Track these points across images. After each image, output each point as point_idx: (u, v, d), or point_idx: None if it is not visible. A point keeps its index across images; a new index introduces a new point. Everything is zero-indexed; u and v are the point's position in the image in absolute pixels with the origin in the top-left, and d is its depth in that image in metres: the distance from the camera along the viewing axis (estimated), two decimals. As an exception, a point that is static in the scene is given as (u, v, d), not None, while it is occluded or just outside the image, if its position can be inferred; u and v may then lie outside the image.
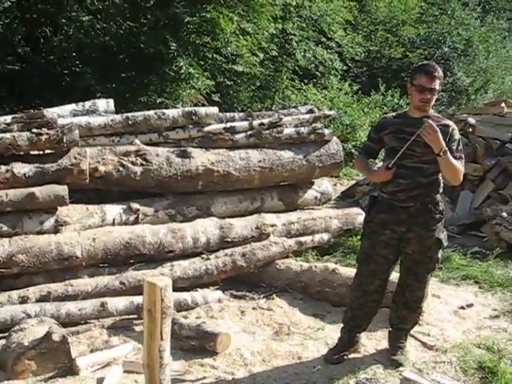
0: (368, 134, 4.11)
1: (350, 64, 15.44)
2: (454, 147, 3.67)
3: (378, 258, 3.82)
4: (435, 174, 3.74)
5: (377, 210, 3.85)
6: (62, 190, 4.60)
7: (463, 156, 3.73)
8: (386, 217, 3.79)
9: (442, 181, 3.82)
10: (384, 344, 4.11)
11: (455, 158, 3.64)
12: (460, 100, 17.50)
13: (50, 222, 4.66)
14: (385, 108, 15.47)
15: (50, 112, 4.94)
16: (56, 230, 4.67)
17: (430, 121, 3.60)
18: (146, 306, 2.72)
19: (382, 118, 4.08)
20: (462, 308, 4.93)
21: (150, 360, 2.77)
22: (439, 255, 3.85)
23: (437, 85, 3.65)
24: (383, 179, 3.77)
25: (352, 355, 3.99)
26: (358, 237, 6.39)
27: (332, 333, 4.31)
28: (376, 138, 3.91)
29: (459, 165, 3.65)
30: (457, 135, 3.73)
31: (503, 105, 8.62)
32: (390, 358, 3.90)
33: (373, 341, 4.20)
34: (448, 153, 3.57)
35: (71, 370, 3.65)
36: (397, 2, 18.09)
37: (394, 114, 4.04)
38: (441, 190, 3.83)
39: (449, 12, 18.61)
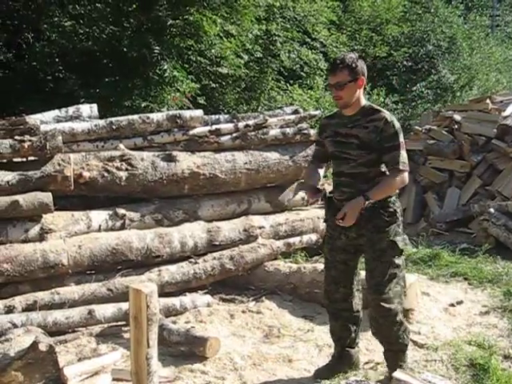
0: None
1: (334, 64, 15.44)
2: (387, 145, 3.38)
3: (337, 264, 3.62)
4: (378, 177, 3.47)
5: (331, 214, 3.57)
6: (46, 197, 4.54)
7: (400, 147, 3.38)
8: None
9: None
10: (375, 343, 4.09)
11: (389, 151, 3.36)
12: (445, 97, 17.60)
13: (34, 230, 4.60)
14: (371, 107, 15.45)
15: (33, 118, 4.88)
16: (41, 237, 4.60)
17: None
18: (132, 313, 2.69)
19: (322, 120, 3.83)
20: (452, 305, 4.93)
21: (137, 368, 2.74)
22: (399, 261, 3.48)
23: (342, 76, 3.35)
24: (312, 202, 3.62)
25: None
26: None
27: (322, 334, 4.29)
28: (321, 141, 3.70)
29: (387, 183, 3.39)
30: (389, 130, 3.38)
31: (488, 101, 8.66)
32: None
33: (364, 341, 4.16)
34: (369, 194, 3.34)
35: (59, 379, 3.58)
36: (380, 1, 18.14)
37: (332, 112, 3.79)
38: (394, 194, 3.52)
39: (432, 10, 18.72)
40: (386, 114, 3.44)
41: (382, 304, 3.45)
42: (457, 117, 8.43)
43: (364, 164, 3.44)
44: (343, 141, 3.50)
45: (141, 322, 2.66)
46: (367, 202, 3.36)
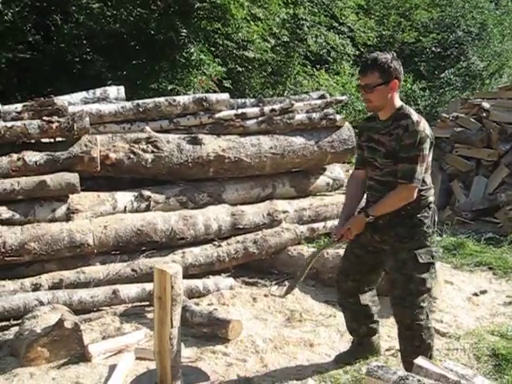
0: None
1: (362, 49, 15.33)
2: (403, 155, 3.20)
3: (351, 256, 3.57)
4: None
5: (365, 206, 3.51)
6: (73, 177, 4.60)
7: (415, 160, 3.18)
8: None
9: (426, 195, 3.36)
10: (395, 330, 4.06)
11: (402, 161, 3.19)
12: (474, 84, 17.35)
13: (61, 210, 4.66)
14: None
15: (61, 100, 4.93)
16: (68, 217, 4.66)
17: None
18: (157, 293, 2.72)
19: (361, 122, 3.69)
20: (476, 294, 4.89)
21: (160, 347, 2.77)
22: (424, 276, 3.29)
23: (372, 78, 3.17)
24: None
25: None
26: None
27: (344, 320, 4.28)
28: (361, 145, 3.54)
29: (390, 199, 3.25)
30: (408, 139, 3.17)
31: (518, 89, 8.50)
32: None
33: (385, 327, 4.16)
34: (370, 210, 3.30)
35: (83, 356, 3.66)
36: (410, -14, 17.90)
37: (371, 114, 3.54)
38: (423, 203, 3.34)
39: (463, -5, 18.39)
40: (412, 120, 3.20)
41: (404, 318, 3.35)
42: (485, 104, 8.30)
43: (390, 173, 3.29)
44: (374, 147, 3.36)
45: (165, 303, 2.69)
46: (368, 219, 3.32)
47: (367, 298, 3.68)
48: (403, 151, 3.20)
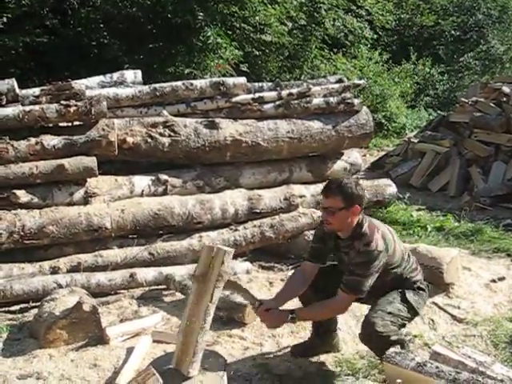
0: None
1: (380, 32, 15.19)
2: (351, 267, 3.15)
3: (321, 271, 3.48)
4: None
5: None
6: (91, 161, 4.62)
7: (364, 276, 3.10)
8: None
9: (412, 274, 3.35)
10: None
11: (350, 273, 3.13)
12: (494, 68, 17.13)
13: (79, 194, 4.69)
14: (416, 77, 15.21)
15: (78, 84, 4.95)
16: (85, 201, 4.70)
17: None
18: (200, 271, 2.73)
19: (321, 229, 3.44)
20: (494, 281, 4.84)
21: (191, 323, 2.77)
22: (403, 314, 3.27)
23: (335, 202, 3.14)
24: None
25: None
26: (388, 208, 6.36)
27: (360, 305, 4.26)
28: (324, 238, 3.41)
29: (322, 305, 3.22)
30: (358, 259, 3.11)
31: (539, 73, 8.39)
32: None
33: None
34: (298, 311, 3.24)
35: (101, 339, 3.69)
36: (429, -32, 17.66)
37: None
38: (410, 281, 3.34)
39: (483, -23, 18.08)
40: (364, 242, 3.15)
41: (372, 327, 3.16)
42: (505, 89, 8.20)
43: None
44: (341, 258, 3.36)
45: (210, 277, 2.70)
46: (289, 318, 3.25)
47: None
48: (352, 265, 3.16)
